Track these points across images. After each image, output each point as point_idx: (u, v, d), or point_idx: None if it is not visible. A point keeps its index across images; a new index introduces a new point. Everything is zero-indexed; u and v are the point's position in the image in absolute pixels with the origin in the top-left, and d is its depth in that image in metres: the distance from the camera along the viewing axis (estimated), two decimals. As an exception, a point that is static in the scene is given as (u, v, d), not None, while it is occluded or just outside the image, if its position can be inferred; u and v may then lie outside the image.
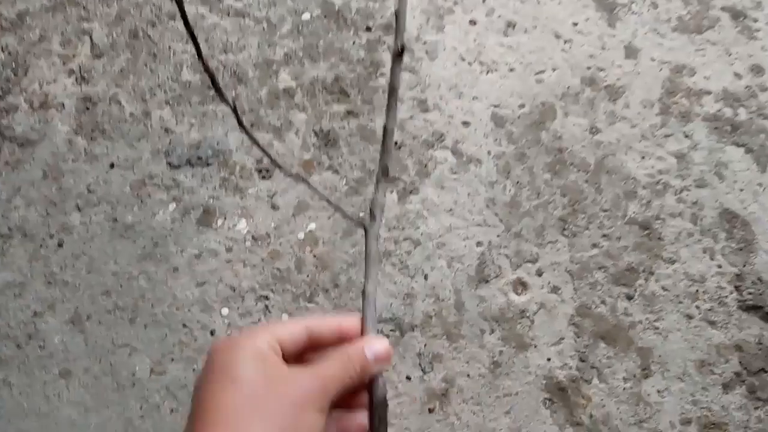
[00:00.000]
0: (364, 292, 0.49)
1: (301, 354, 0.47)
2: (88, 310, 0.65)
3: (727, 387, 0.63)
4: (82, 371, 0.63)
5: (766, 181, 0.70)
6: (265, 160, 0.70)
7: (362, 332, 0.49)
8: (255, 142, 0.55)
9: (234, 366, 0.41)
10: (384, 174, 0.54)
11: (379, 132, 0.72)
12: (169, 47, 0.74)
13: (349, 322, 0.49)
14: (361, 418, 0.48)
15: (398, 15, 0.53)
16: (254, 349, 0.42)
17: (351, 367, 0.45)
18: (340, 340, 0.48)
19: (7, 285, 0.66)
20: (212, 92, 0.73)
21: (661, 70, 0.76)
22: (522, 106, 0.72)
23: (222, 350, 0.43)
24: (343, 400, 0.48)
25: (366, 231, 0.53)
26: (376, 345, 0.47)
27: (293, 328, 0.46)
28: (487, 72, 0.73)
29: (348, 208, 0.68)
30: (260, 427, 0.39)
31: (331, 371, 0.44)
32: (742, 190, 0.70)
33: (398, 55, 0.54)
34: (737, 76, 0.75)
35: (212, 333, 0.63)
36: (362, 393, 0.49)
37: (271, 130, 0.71)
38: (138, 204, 0.68)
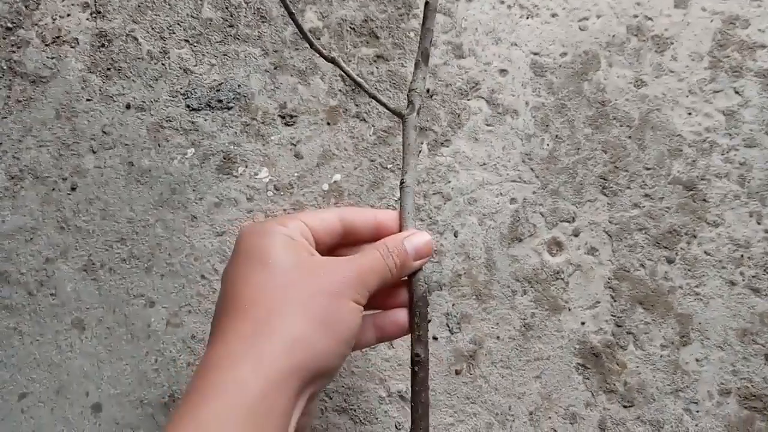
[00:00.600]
0: (402, 184, 0.42)
1: (334, 248, 0.40)
2: (102, 257, 0.58)
3: (769, 358, 0.56)
4: (95, 321, 0.57)
5: (825, 142, 0.61)
6: (289, 106, 0.62)
7: (400, 227, 0.42)
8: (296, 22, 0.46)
9: (265, 250, 0.34)
10: (423, 59, 0.46)
11: (410, 78, 0.63)
12: (189, -19, 0.65)
13: (387, 215, 0.42)
14: (399, 315, 0.41)
15: None
16: (285, 235, 0.35)
17: (390, 261, 0.38)
18: (377, 234, 0.41)
19: (18, 229, 0.59)
20: (234, 31, 0.64)
21: (712, 21, 0.66)
22: (564, 54, 0.63)
23: (252, 234, 0.36)
24: (379, 300, 0.42)
25: (403, 120, 0.45)
26: (416, 239, 0.40)
27: (327, 217, 0.39)
28: (528, 17, 0.64)
29: (375, 158, 0.61)
30: (294, 314, 0.32)
31: (369, 263, 0.37)
32: (793, 151, 0.61)
33: None
34: (795, 28, 0.65)
35: (232, 285, 0.57)
36: (399, 292, 0.42)
37: (295, 73, 0.63)
38: (155, 148, 0.61)
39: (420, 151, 0.59)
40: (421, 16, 0.65)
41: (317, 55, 0.64)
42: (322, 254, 0.37)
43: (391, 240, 0.39)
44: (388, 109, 0.46)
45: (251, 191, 0.60)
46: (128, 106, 0.62)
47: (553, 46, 0.64)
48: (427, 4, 0.44)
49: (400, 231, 0.41)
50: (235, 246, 0.37)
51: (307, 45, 0.45)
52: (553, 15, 0.65)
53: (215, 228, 0.59)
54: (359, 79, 0.45)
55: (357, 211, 0.41)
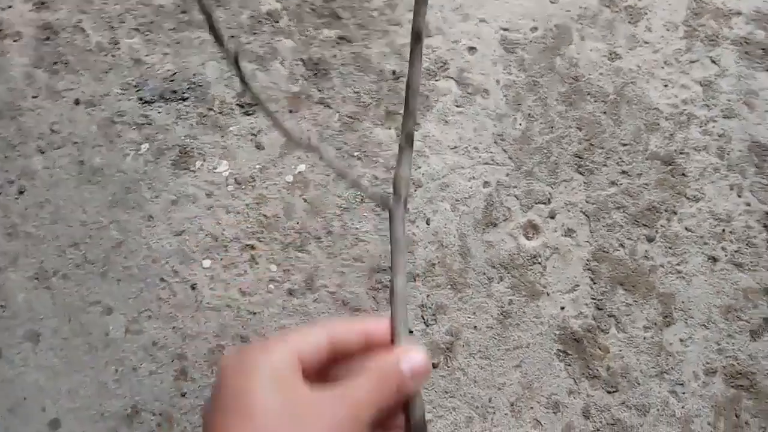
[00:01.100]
0: (392, 289, 0.36)
1: (323, 366, 0.36)
2: (55, 264, 0.52)
3: (755, 334, 0.52)
4: (50, 332, 0.51)
5: (806, 110, 0.56)
6: (248, 94, 0.56)
7: (392, 338, 0.36)
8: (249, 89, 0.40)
9: (249, 394, 0.29)
10: (408, 142, 0.39)
11: (375, 60, 0.57)
12: (135, -35, 0.58)
13: (377, 326, 0.37)
14: None
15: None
16: (271, 370, 0.30)
17: (386, 387, 0.33)
18: (367, 347, 0.36)
19: (-37, 237, 0.53)
20: (187, 17, 0.58)
21: (686, -13, 0.61)
22: (534, 29, 0.58)
23: (234, 372, 0.31)
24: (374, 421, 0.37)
25: (390, 212, 0.38)
26: (412, 358, 0.35)
27: (314, 339, 0.34)
28: (495, -10, 0.59)
29: (341, 146, 0.55)
30: None
31: (363, 394, 0.32)
32: (773, 120, 0.57)
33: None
34: (772, -8, 0.60)
35: (193, 287, 0.52)
36: (395, 413, 0.37)
37: (254, 59, 0.57)
38: (107, 145, 0.55)
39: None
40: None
41: (276, 39, 0.58)
42: (311, 377, 0.32)
43: (386, 362, 0.34)
44: (372, 199, 0.39)
45: (210, 186, 0.54)
46: (77, 102, 0.56)
47: (523, 21, 0.59)
48: (408, 85, 0.37)
49: (392, 342, 0.35)
50: (215, 385, 0.32)
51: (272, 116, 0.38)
52: (522, -13, 0.60)
53: (173, 227, 0.53)
54: (343, 169, 0.39)
55: (345, 326, 0.35)
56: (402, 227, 0.36)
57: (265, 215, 0.54)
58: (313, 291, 0.52)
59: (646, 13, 0.60)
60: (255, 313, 0.51)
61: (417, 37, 0.37)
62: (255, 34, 0.58)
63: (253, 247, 0.53)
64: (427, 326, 0.52)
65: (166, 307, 0.51)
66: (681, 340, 0.52)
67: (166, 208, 0.54)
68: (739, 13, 0.60)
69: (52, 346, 0.51)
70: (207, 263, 0.52)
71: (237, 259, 0.53)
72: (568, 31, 0.58)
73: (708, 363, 0.52)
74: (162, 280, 0.52)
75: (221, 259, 0.52)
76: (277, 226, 0.53)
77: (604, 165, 0.56)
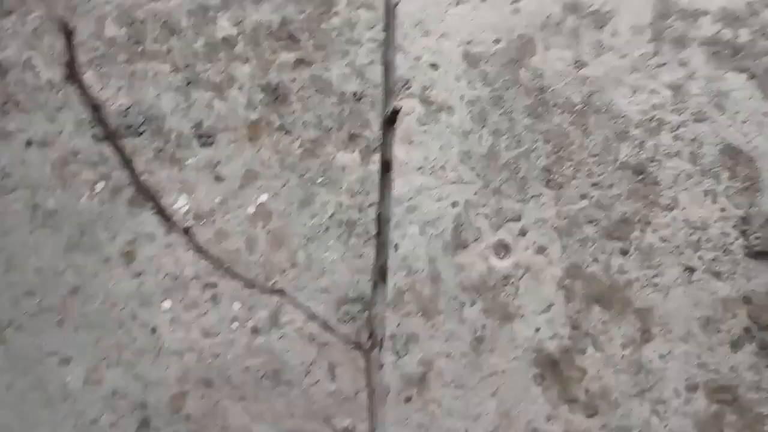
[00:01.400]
0: None
1: None
2: (9, 314, 0.49)
3: (735, 345, 0.50)
4: (4, 387, 0.48)
5: (777, 111, 0.53)
6: (206, 124, 0.53)
7: None
8: None
9: None
10: (381, 276, 0.35)
11: (336, 82, 0.54)
12: (86, -2, 0.55)
13: None
14: None
15: (387, 61, 0.33)
16: None
17: None
18: None
19: None
20: (140, 48, 0.55)
21: (651, -11, 0.57)
22: (497, 41, 0.55)
23: None
24: None
25: (366, 356, 0.34)
26: None
27: None
28: (457, 3, 0.56)
29: (304, 173, 0.52)
30: None
31: None
32: (745, 122, 0.54)
33: (390, 120, 0.33)
34: (738, -10, 0.57)
35: (153, 331, 0.49)
36: None
37: (210, 87, 0.54)
38: (61, 186, 0.52)
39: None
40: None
41: (233, 66, 0.55)
42: None
43: None
44: (346, 342, 0.35)
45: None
46: (29, 143, 0.53)
47: (485, 34, 0.55)
48: (379, 216, 0.34)
49: None
50: None
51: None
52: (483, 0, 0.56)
53: (131, 269, 0.50)
54: (313, 311, 0.35)
55: None
56: (379, 375, 0.31)
57: (226, 250, 0.51)
58: (278, 327, 0.49)
59: (612, 17, 0.57)
60: (218, 355, 0.48)
61: (386, 166, 0.34)
62: (211, 61, 0.55)
63: (214, 286, 0.50)
64: (399, 357, 0.49)
65: (126, 354, 0.48)
66: (660, 356, 0.50)
67: (123, 249, 0.51)
68: (705, 13, 0.57)
69: (7, 403, 0.48)
70: (167, 305, 0.49)
71: (198, 298, 0.50)
72: (531, 41, 0.55)
73: (689, 378, 0.49)
74: (121, 325, 0.49)
75: (182, 300, 0.49)
76: (239, 261, 0.50)
77: (574, 178, 0.53)
